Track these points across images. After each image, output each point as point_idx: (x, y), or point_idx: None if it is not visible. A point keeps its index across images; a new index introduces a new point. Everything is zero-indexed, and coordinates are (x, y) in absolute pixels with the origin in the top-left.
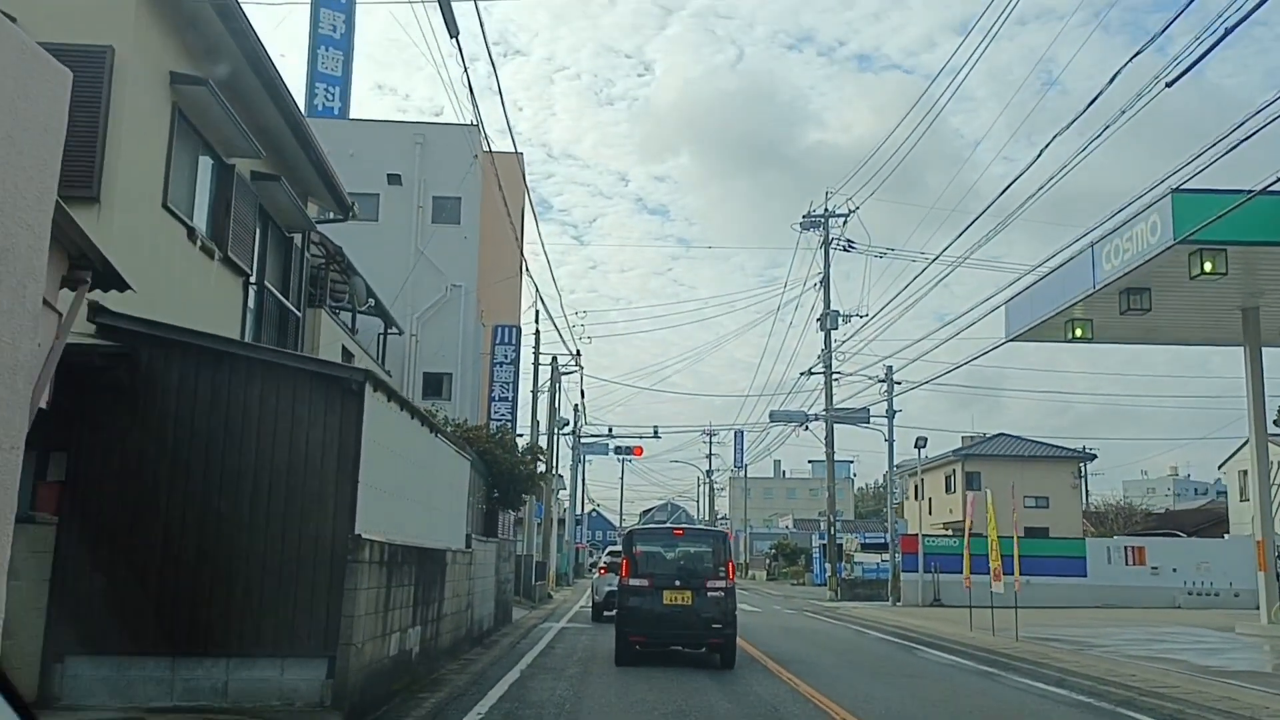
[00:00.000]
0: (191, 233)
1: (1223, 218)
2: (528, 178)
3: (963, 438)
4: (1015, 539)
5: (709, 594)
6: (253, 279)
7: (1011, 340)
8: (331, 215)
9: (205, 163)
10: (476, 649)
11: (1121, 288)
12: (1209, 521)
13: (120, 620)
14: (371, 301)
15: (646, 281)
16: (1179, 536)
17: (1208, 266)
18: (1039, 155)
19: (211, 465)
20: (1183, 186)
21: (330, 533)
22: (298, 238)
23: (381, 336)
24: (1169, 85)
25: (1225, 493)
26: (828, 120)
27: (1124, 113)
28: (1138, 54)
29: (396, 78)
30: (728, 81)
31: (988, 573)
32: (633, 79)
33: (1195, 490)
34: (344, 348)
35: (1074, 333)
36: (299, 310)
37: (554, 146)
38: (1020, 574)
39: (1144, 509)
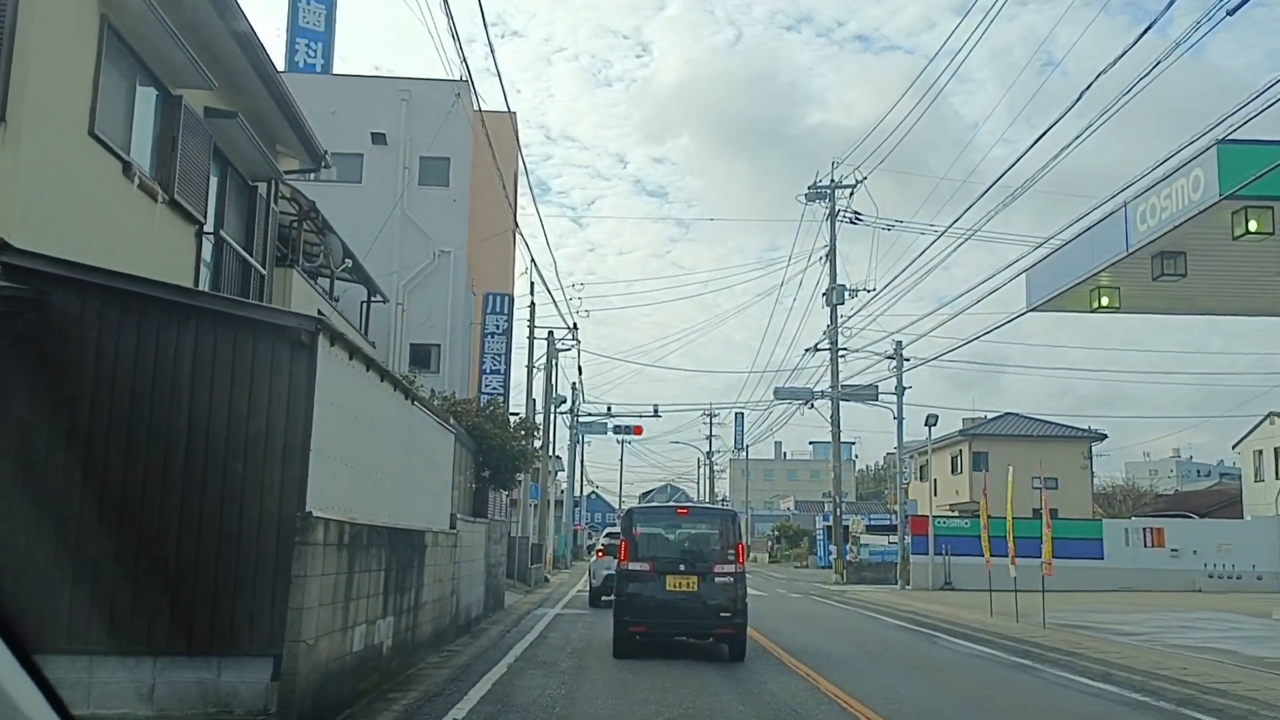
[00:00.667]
0: (128, 168)
1: (1273, 171)
2: (526, 159)
3: (963, 419)
4: (1045, 520)
5: (716, 579)
6: (208, 228)
7: (1032, 310)
8: (302, 167)
9: (147, 93)
10: (463, 639)
11: (1155, 251)
12: (1220, 503)
13: (24, 613)
14: (349, 262)
15: (646, 264)
16: (1190, 518)
17: (1253, 226)
18: (1044, 134)
19: (135, 430)
20: (1230, 137)
21: (276, 510)
22: (262, 187)
23: (365, 305)
24: (1230, 14)
25: (1230, 474)
26: (830, 101)
27: (1143, 77)
28: (1146, 30)
29: (393, 60)
30: (728, 62)
31: (1005, 555)
32: (631, 60)
33: (1198, 472)
34: (319, 313)
35: (1099, 302)
36: (264, 268)
37: (552, 128)
38: (1031, 557)
39: (1152, 490)
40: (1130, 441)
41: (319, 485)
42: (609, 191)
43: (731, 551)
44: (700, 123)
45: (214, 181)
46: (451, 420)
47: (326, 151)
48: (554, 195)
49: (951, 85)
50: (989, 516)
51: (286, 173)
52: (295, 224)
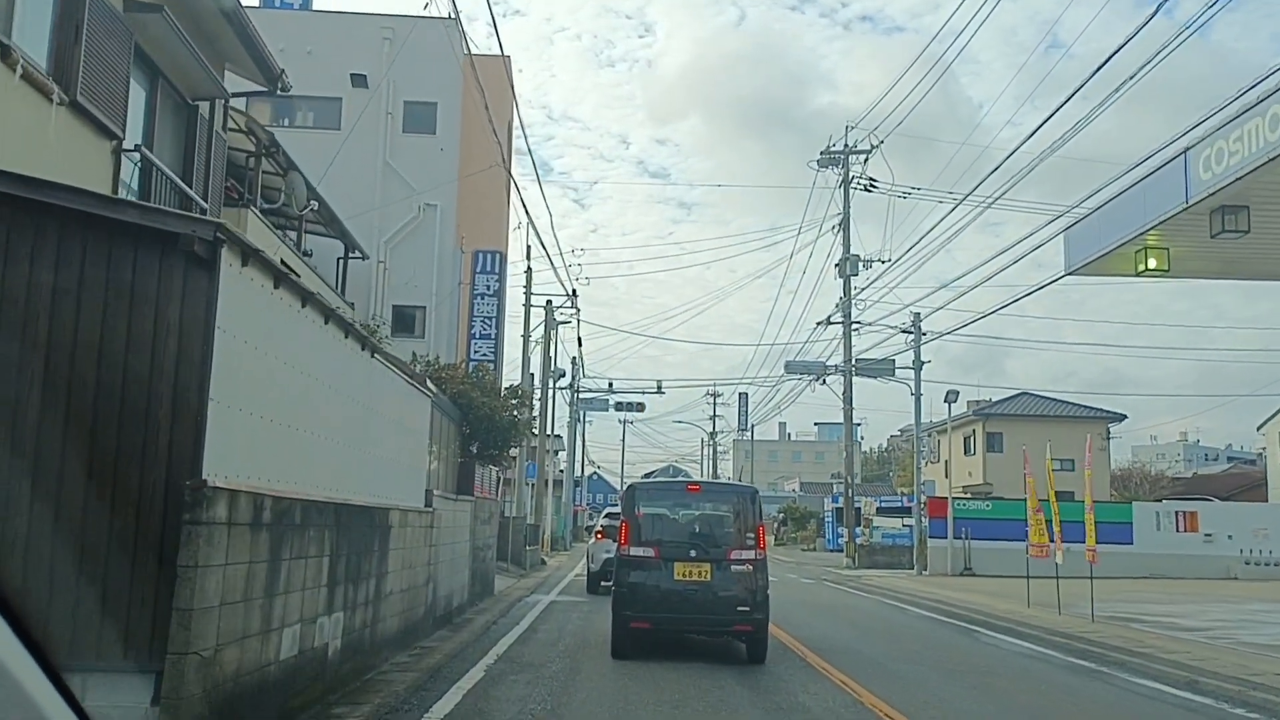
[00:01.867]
0: (7, 53)
1: None
2: (529, 140)
3: (968, 402)
4: (1088, 502)
5: (733, 567)
6: (128, 145)
7: (1071, 273)
8: (257, 89)
9: None
10: (441, 631)
11: (1216, 205)
12: (1241, 486)
13: None
14: (314, 204)
15: (648, 246)
16: (1211, 501)
17: None
18: (1053, 114)
19: None
20: None
21: (160, 479)
22: (205, 108)
23: (341, 261)
24: None
25: (1238, 458)
26: (839, 82)
27: (1153, 59)
28: (1155, 13)
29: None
30: (733, 43)
31: (1035, 539)
32: (634, 40)
33: (1206, 455)
34: (282, 263)
35: (1146, 264)
36: (206, 202)
37: (554, 109)
38: (1062, 541)
39: (1170, 474)
40: (1135, 425)
41: (224, 446)
42: (611, 173)
43: (750, 535)
44: (705, 104)
45: (140, 92)
46: (429, 384)
47: (284, 71)
48: (556, 176)
49: (959, 67)
50: (1006, 499)
51: (240, 94)
52: (252, 160)
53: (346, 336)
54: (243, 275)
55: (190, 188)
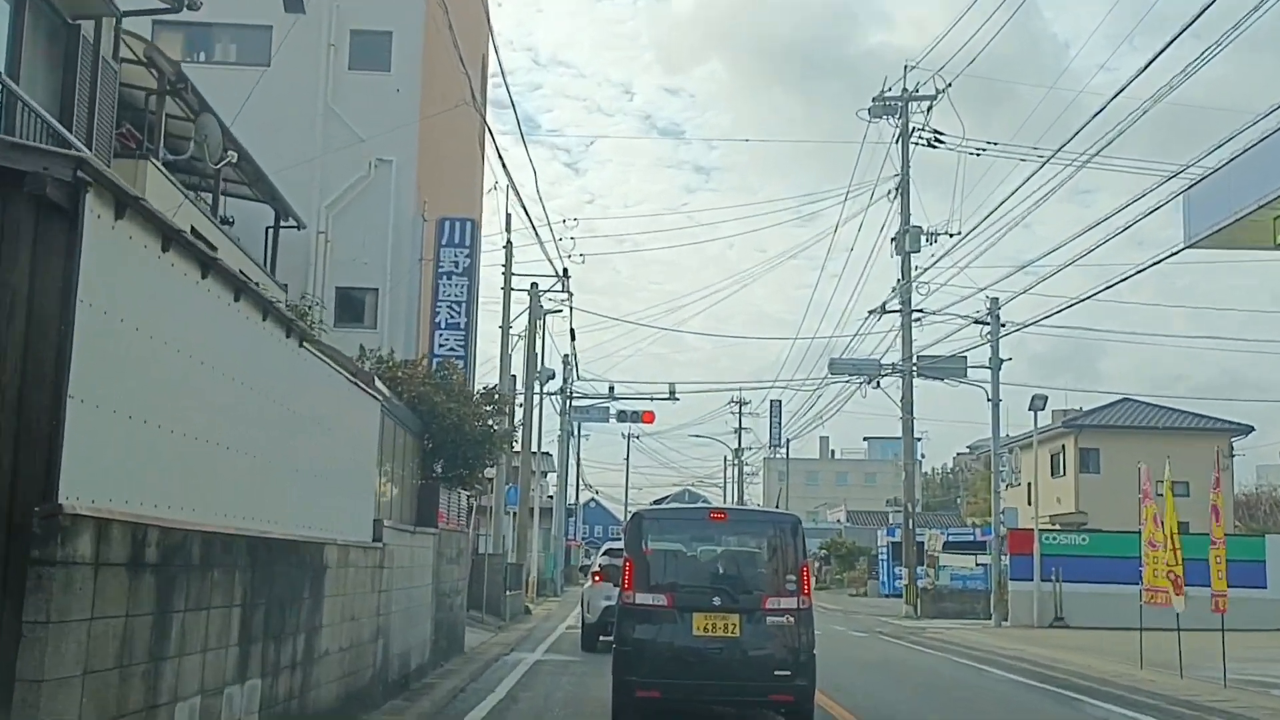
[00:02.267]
0: None
1: None
2: (510, 88)
3: (1054, 412)
4: (1215, 535)
5: (768, 619)
6: None
7: (1192, 245)
8: (159, 5)
9: None
10: (395, 701)
11: None
12: None
13: None
14: (233, 155)
15: (658, 217)
16: None
17: None
18: (1158, 54)
19: None
20: None
21: (3, 504)
22: (90, 29)
23: (271, 231)
24: None
25: None
26: (894, 16)
27: None
28: None
29: None
30: None
31: (1151, 581)
32: None
33: None
34: (193, 230)
35: None
36: (90, 150)
37: (541, 51)
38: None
39: None
40: (1261, 441)
41: (89, 460)
42: (612, 129)
43: (791, 577)
44: (727, 45)
45: (2, 7)
46: (379, 385)
47: None
48: (544, 135)
49: (1044, 4)
50: (1106, 531)
51: (136, 13)
52: (154, 100)
53: (265, 318)
54: (117, 231)
55: (70, 130)
